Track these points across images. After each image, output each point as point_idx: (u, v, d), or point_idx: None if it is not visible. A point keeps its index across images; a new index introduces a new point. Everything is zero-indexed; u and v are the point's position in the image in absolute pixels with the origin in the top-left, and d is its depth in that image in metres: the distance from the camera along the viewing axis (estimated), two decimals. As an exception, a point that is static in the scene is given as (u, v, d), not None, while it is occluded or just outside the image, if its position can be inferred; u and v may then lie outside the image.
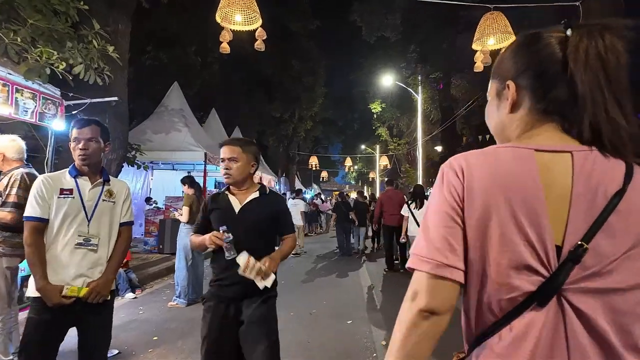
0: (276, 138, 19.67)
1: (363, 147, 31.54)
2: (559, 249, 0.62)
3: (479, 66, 5.05)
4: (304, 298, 5.01)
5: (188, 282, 4.56)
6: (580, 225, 0.61)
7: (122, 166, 5.88)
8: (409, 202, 6.12)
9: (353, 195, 12.99)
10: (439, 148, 17.89)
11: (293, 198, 10.59)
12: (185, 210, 4.68)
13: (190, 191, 4.93)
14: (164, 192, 9.08)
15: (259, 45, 5.45)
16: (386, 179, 8.09)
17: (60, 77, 3.82)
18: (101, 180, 1.99)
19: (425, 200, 5.82)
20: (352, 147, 33.95)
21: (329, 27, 28.99)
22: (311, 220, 13.25)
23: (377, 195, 17.77)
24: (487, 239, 0.64)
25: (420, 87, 17.35)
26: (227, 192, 2.01)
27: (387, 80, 17.85)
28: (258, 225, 1.93)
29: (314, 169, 20.89)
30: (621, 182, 0.62)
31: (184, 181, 5.08)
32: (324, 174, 31.85)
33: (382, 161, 20.95)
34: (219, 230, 1.81)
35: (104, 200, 1.96)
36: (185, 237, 4.55)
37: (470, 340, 0.71)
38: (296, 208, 9.34)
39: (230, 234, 1.78)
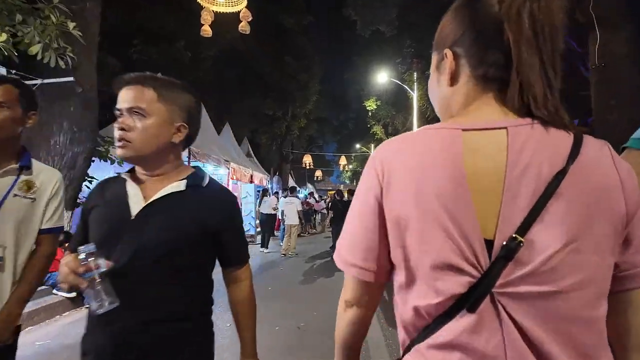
0: (269, 136, 19.12)
1: (358, 146, 31.13)
2: (491, 244, 0.53)
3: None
4: (291, 308, 4.46)
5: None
6: (516, 214, 0.53)
7: (93, 160, 5.30)
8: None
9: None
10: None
11: (286, 196, 10.11)
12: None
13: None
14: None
15: (244, 27, 4.92)
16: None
17: (6, 53, 3.26)
18: (16, 166, 1.38)
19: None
20: (347, 146, 33.52)
21: (323, 23, 28.45)
22: (305, 220, 12.69)
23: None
24: (407, 237, 0.57)
25: (416, 84, 16.92)
26: (126, 177, 1.06)
27: (382, 77, 17.41)
28: (172, 247, 0.97)
29: (307, 167, 20.31)
30: (566, 159, 0.53)
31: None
32: (318, 173, 31.27)
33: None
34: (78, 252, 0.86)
35: (16, 195, 1.36)
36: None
37: (405, 344, 0.63)
38: (292, 206, 8.98)
39: (101, 262, 0.85)
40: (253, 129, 19.35)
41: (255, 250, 9.31)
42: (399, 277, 0.61)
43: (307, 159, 20.38)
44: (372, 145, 27.96)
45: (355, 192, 0.67)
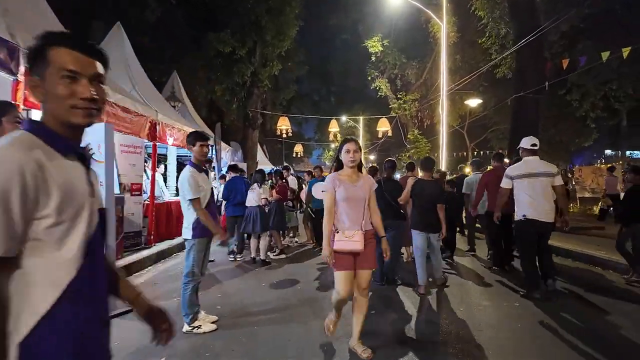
0: (227, 87, 12.40)
1: (344, 119, 24.77)
2: None
3: None
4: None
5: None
6: None
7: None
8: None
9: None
10: (474, 101, 11.33)
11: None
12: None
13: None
14: None
15: None
16: (495, 153, 4.20)
17: None
18: None
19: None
20: (328, 123, 27.32)
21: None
22: (276, 222, 6.09)
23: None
24: None
25: (445, 10, 10.66)
26: None
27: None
28: None
29: (284, 135, 13.85)
30: None
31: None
32: (299, 148, 24.48)
33: (381, 126, 14.16)
34: None
35: None
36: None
37: None
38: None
39: None
40: (206, 78, 12.66)
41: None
42: None
43: (283, 124, 13.75)
44: (361, 118, 21.69)
45: None
